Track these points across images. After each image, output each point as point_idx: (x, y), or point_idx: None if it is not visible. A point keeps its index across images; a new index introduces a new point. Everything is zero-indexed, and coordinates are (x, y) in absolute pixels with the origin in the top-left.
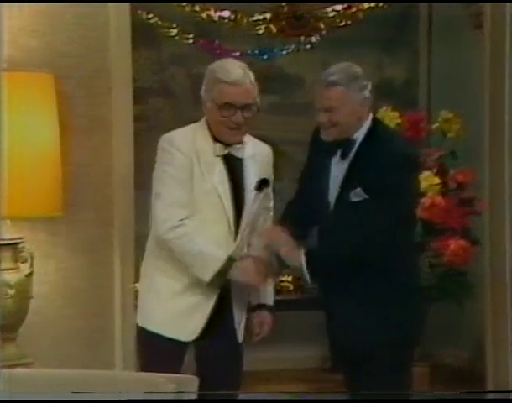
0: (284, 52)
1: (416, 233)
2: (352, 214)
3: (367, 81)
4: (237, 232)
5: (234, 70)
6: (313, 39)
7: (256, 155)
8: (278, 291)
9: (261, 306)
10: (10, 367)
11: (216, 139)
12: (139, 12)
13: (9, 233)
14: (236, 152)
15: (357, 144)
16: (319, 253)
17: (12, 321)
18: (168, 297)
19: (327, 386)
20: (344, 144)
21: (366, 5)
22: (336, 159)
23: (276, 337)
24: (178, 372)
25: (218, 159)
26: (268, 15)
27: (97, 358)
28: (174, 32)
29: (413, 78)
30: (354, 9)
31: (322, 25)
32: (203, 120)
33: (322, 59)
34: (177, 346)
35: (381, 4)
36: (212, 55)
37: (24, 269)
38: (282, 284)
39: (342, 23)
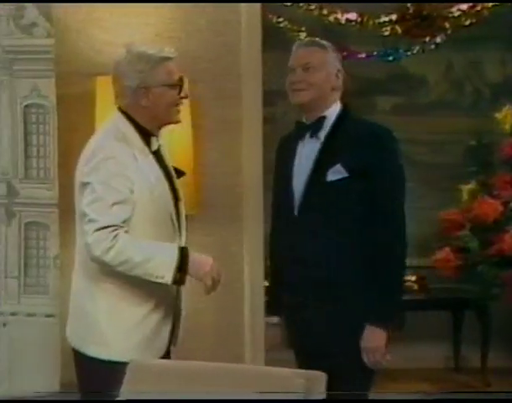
0: (409, 53)
1: None
2: (328, 195)
3: (338, 53)
4: (179, 228)
5: (167, 48)
6: (438, 39)
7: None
8: None
9: None
10: None
11: (145, 133)
12: (270, 16)
13: None
14: (163, 144)
15: (330, 122)
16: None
17: None
18: (132, 324)
19: (451, 386)
20: (316, 123)
21: (491, 3)
22: (304, 142)
23: (401, 337)
24: None
25: (150, 156)
26: (393, 16)
27: (227, 351)
28: (302, 35)
29: None
30: (479, 8)
31: (447, 25)
32: (118, 120)
33: (447, 58)
34: None
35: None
36: None
37: None
38: (405, 283)
39: (467, 23)
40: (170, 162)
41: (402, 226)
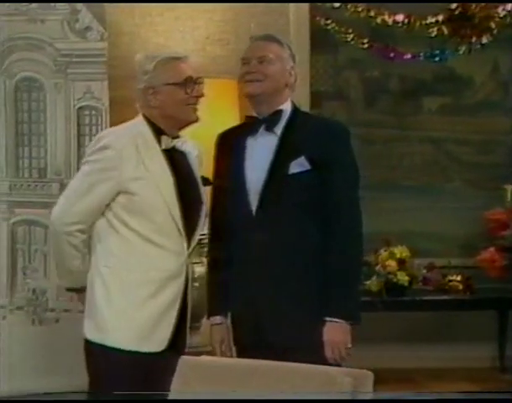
0: (456, 53)
1: None
2: (288, 188)
3: (291, 51)
4: (189, 239)
5: (176, 49)
6: (484, 40)
7: (193, 151)
8: (446, 291)
9: None
10: (195, 354)
11: (160, 132)
12: (317, 18)
13: None
14: (180, 145)
15: (286, 116)
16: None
17: (197, 312)
18: (132, 308)
19: (496, 386)
20: (272, 116)
21: None
22: (256, 136)
23: (446, 336)
24: (147, 388)
25: (159, 154)
26: (440, 17)
27: None
28: (350, 37)
29: None
30: None
31: (493, 25)
32: (139, 119)
33: (493, 59)
34: (144, 359)
35: None
36: (386, 59)
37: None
38: (451, 283)
39: None
40: (196, 167)
41: (357, 220)
